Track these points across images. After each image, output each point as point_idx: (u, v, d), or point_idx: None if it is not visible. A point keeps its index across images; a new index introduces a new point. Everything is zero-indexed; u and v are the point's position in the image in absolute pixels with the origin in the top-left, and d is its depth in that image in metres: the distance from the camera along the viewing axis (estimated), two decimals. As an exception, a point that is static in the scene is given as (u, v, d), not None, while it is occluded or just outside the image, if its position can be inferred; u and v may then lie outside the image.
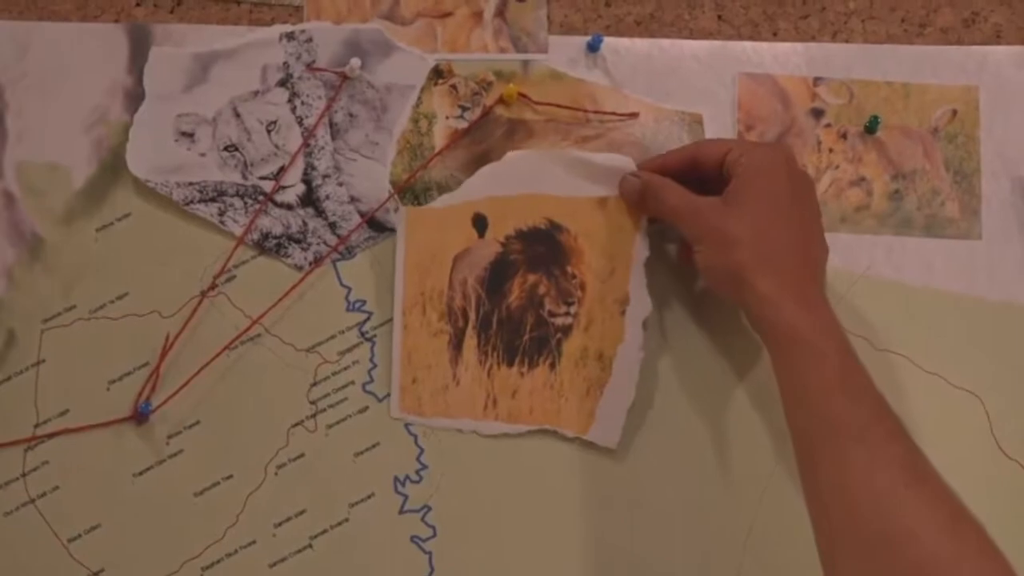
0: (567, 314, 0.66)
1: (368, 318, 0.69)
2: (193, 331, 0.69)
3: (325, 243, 0.69)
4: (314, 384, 0.68)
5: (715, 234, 0.60)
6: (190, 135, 0.70)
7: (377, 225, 0.69)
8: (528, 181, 0.68)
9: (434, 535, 0.67)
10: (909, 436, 0.53)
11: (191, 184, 0.69)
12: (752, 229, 0.58)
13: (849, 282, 0.68)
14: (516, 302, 0.67)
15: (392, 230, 0.69)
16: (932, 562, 0.47)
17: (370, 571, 0.67)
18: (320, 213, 0.70)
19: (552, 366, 0.66)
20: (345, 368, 0.68)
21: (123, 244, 0.70)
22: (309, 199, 0.70)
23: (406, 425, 0.68)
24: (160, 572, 0.67)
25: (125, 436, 0.68)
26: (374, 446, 0.68)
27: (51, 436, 0.68)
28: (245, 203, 0.70)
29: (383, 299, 0.69)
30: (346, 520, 0.67)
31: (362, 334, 0.69)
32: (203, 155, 0.70)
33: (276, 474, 0.67)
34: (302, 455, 0.68)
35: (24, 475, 0.68)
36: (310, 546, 0.67)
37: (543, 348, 0.67)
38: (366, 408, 0.68)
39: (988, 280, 0.68)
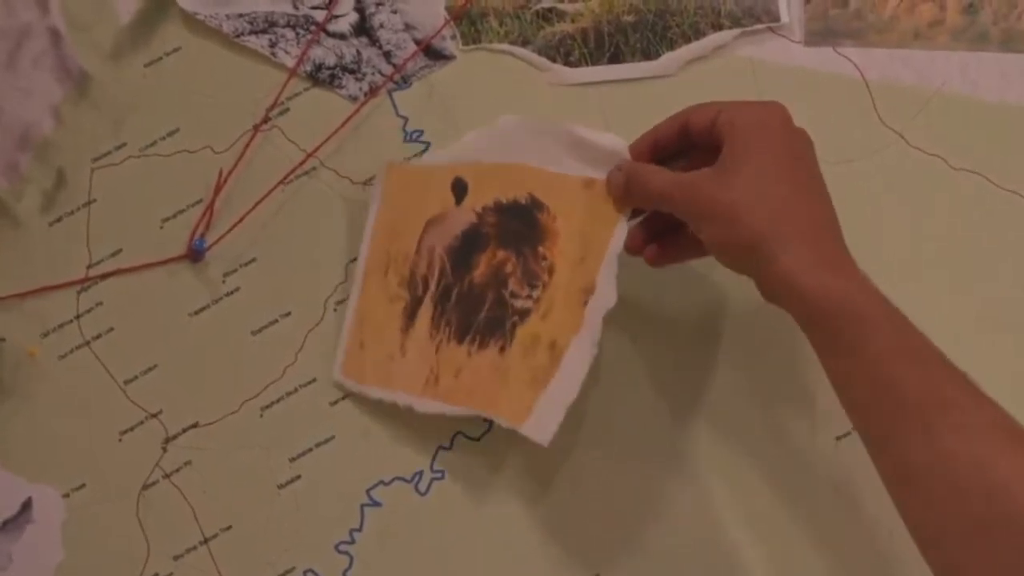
0: (528, 297, 0.60)
1: (426, 149, 0.67)
2: (247, 166, 0.67)
3: (380, 73, 0.67)
4: (373, 217, 0.67)
5: (717, 207, 0.52)
6: (238, -34, 0.68)
7: (433, 53, 0.67)
8: (518, 150, 0.62)
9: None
10: (988, 395, 0.48)
11: (241, 16, 0.68)
12: (757, 194, 0.52)
13: (923, 100, 0.66)
14: (480, 278, 0.62)
15: (449, 57, 0.67)
16: None
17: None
18: (374, 42, 0.68)
19: (502, 349, 0.60)
20: (404, 200, 0.67)
21: (173, 79, 0.68)
22: (362, 28, 0.68)
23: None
24: (219, 412, 0.65)
25: (180, 275, 0.67)
26: (435, 279, 0.66)
27: (104, 277, 0.67)
28: (297, 33, 0.68)
29: (441, 129, 0.67)
30: (408, 353, 0.66)
31: (421, 165, 0.67)
32: (253, -14, 0.68)
33: (335, 310, 0.66)
34: (361, 289, 0.66)
35: (78, 317, 0.66)
36: (371, 381, 0.66)
37: (496, 330, 0.61)
38: (426, 240, 0.66)
39: (1067, 94, 0.66)
